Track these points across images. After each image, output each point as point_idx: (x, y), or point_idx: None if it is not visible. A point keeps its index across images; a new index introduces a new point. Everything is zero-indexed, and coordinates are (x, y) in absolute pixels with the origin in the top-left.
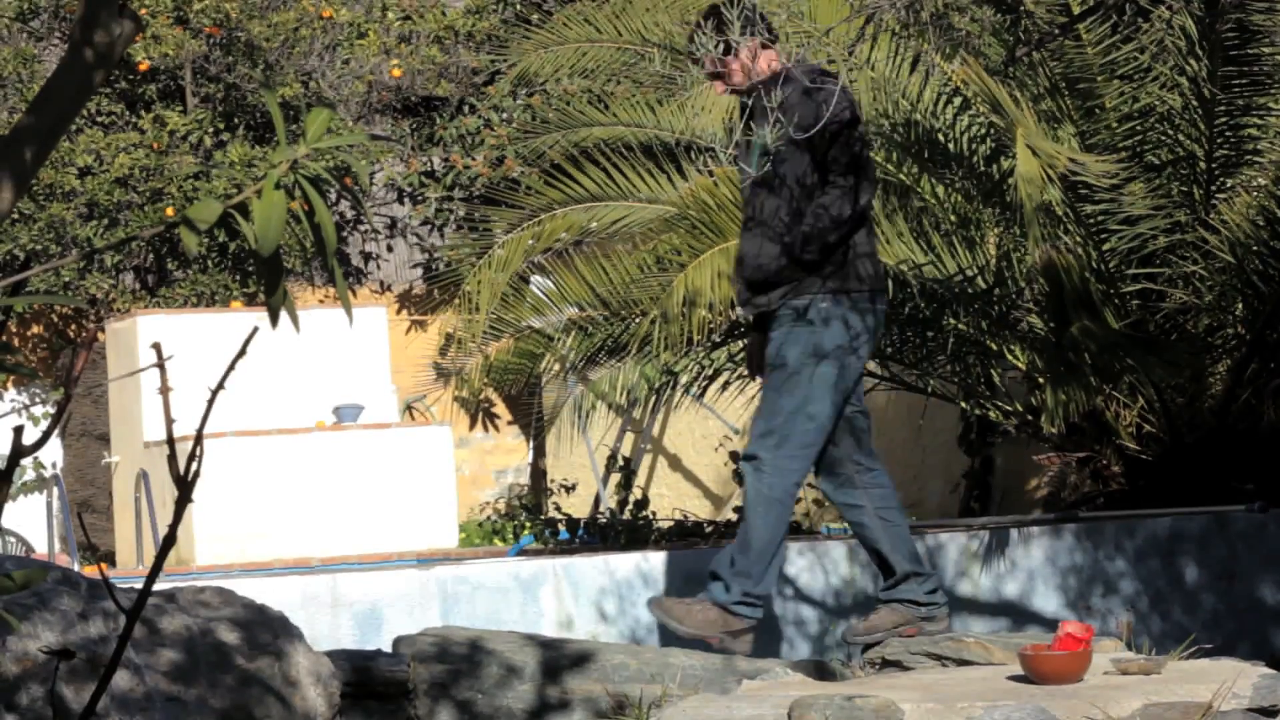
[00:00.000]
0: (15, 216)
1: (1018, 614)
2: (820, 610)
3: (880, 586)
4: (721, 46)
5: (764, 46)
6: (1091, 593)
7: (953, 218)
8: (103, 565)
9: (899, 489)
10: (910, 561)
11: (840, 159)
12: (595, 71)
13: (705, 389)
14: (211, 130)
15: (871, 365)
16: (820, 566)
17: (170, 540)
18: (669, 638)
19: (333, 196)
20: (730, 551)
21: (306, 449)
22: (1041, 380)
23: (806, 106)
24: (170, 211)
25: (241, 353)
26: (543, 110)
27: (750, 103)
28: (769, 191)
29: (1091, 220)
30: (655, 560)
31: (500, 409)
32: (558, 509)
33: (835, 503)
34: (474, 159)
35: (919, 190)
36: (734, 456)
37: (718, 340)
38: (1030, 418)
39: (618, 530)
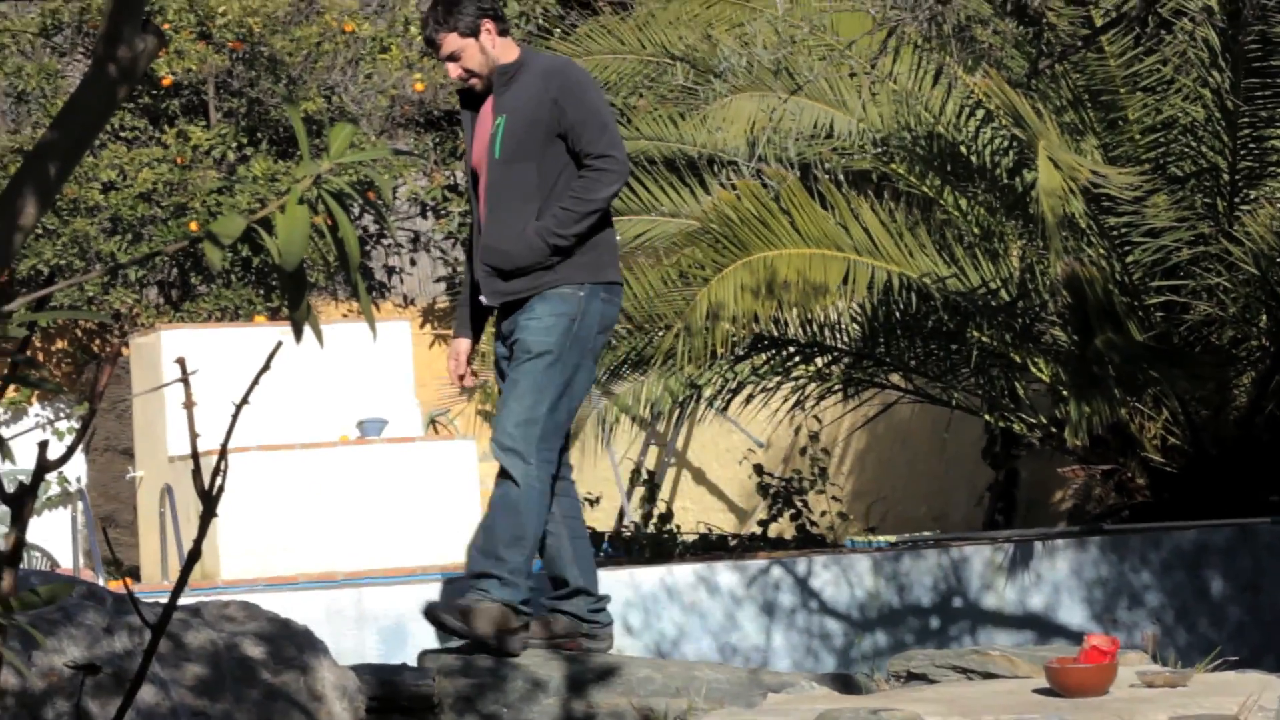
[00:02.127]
0: (39, 231)
1: (1043, 627)
2: (845, 623)
3: (548, 594)
4: (460, 28)
5: (501, 34)
6: (1117, 605)
7: (976, 230)
8: (128, 580)
9: (923, 501)
10: (587, 578)
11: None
12: (618, 85)
13: (729, 402)
14: (234, 145)
15: (895, 378)
16: (845, 580)
17: (195, 555)
18: (691, 650)
19: (356, 211)
20: (494, 550)
21: (330, 463)
22: (1065, 393)
23: (595, 88)
24: (194, 226)
25: (266, 367)
26: None
27: (480, 87)
28: (515, 173)
29: (1115, 232)
30: (680, 574)
31: None
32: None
33: None
34: None
35: (942, 203)
36: (758, 469)
37: (741, 354)
38: (1054, 430)
39: (642, 544)
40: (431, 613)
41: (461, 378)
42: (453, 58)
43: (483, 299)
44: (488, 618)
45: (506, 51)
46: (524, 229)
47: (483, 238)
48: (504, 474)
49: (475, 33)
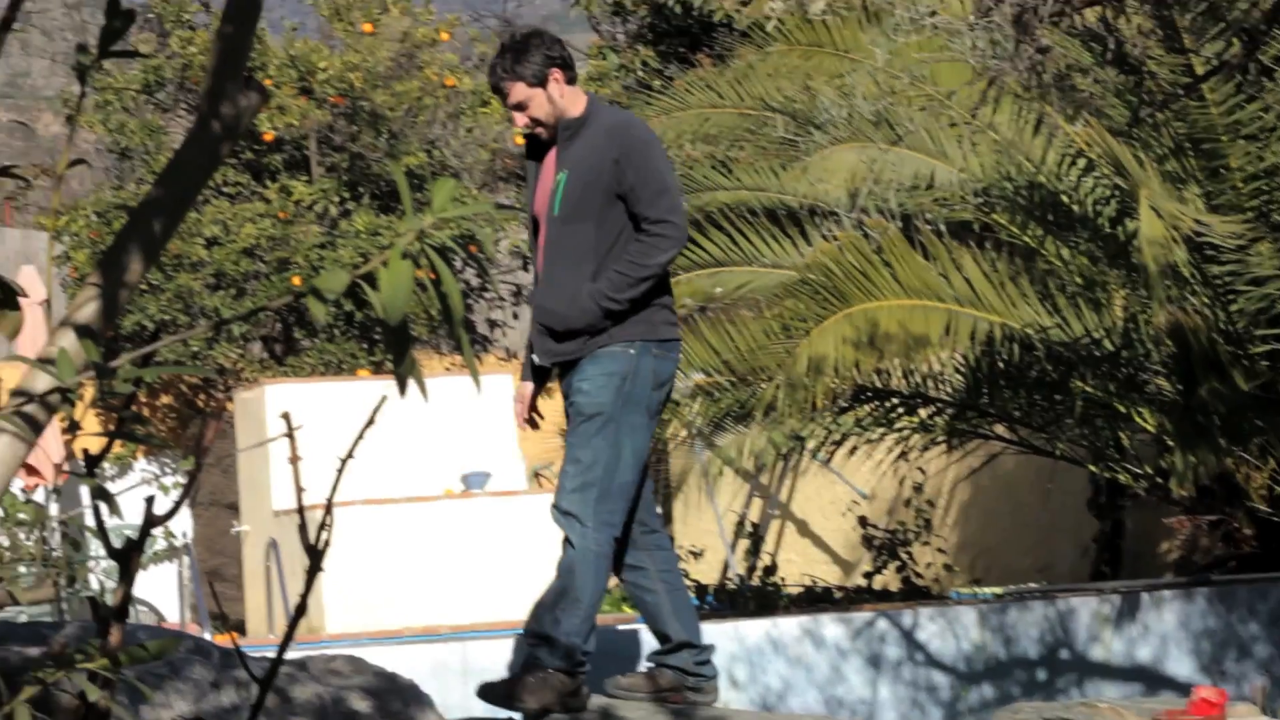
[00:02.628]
0: (144, 287)
1: (1151, 679)
2: (951, 676)
3: (653, 651)
4: (528, 77)
5: (569, 82)
6: (1225, 657)
7: (1078, 280)
8: (234, 634)
9: (1028, 553)
10: (689, 631)
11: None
12: (718, 137)
13: (832, 454)
14: (337, 199)
15: (1000, 429)
16: (951, 632)
17: (302, 609)
18: (797, 703)
19: (458, 265)
20: (551, 612)
21: (435, 517)
22: (1170, 443)
23: (658, 149)
24: (297, 281)
25: (370, 421)
26: None
27: (546, 136)
28: (573, 232)
29: (1218, 281)
30: (785, 626)
31: None
32: (686, 575)
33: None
34: None
35: (1044, 252)
36: (863, 521)
37: (844, 405)
38: (1160, 481)
39: (746, 596)
40: (485, 695)
41: (528, 421)
42: (520, 106)
43: (534, 358)
44: (538, 690)
45: (573, 101)
46: (578, 290)
47: (536, 296)
48: (565, 539)
49: (543, 82)
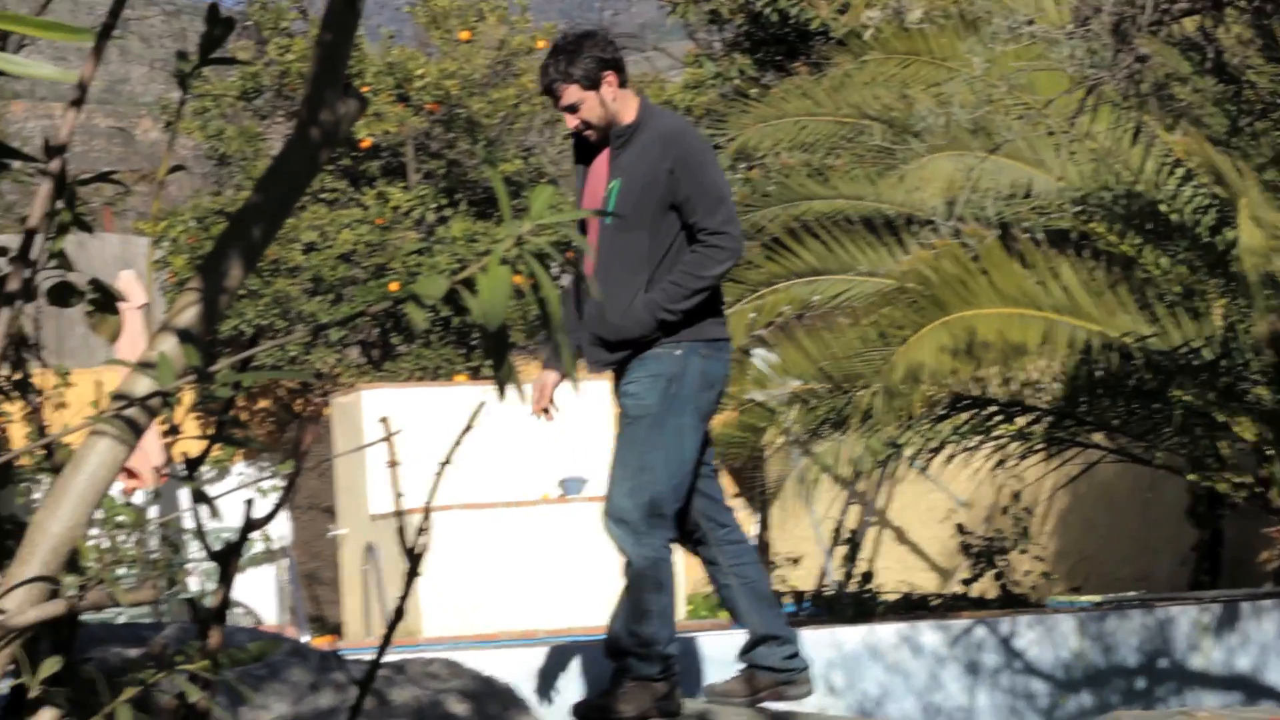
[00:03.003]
0: (242, 293)
1: (1250, 688)
2: (1050, 684)
3: (740, 651)
4: (581, 79)
5: (621, 85)
6: None
7: (1177, 289)
8: (331, 637)
9: (1127, 561)
10: (768, 624)
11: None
12: (814, 145)
13: (930, 461)
14: (434, 206)
15: (1098, 437)
16: (1049, 640)
17: (400, 613)
18: (895, 710)
19: (555, 270)
20: (627, 627)
21: (532, 521)
22: (1270, 452)
23: (714, 158)
24: (394, 286)
25: (469, 426)
26: (762, 183)
27: (596, 139)
28: (627, 241)
29: None
30: (882, 633)
31: (725, 482)
32: (783, 581)
33: (697, 557)
34: None
35: (1142, 261)
36: (960, 528)
37: (941, 413)
38: (1260, 490)
39: (844, 603)
40: (583, 715)
41: (545, 410)
42: (571, 109)
43: (589, 368)
44: (635, 698)
45: (626, 104)
46: (632, 301)
47: (589, 305)
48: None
49: (596, 85)
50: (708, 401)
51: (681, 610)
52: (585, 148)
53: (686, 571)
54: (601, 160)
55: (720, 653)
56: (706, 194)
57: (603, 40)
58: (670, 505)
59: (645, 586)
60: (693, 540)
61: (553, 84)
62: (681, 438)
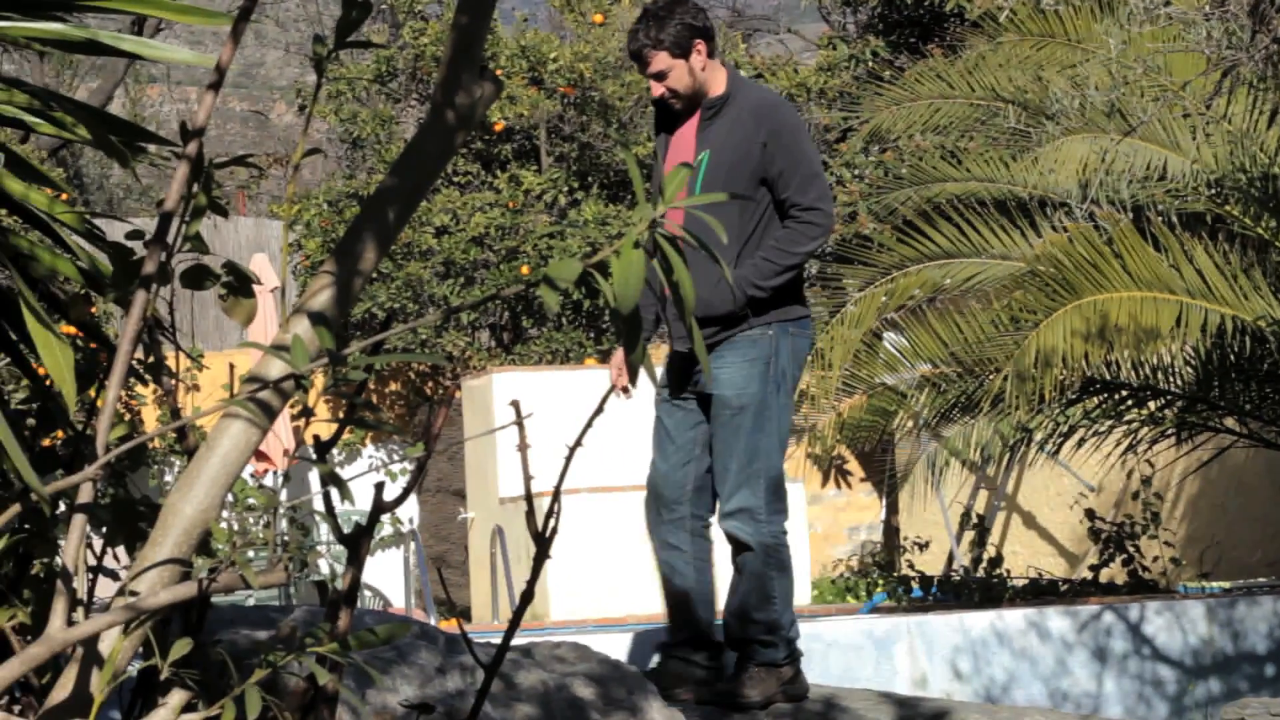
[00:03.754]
0: (374, 276)
1: None
2: (1178, 670)
3: (665, 640)
4: (671, 47)
5: (710, 54)
6: None
7: None
8: (459, 620)
9: (1258, 547)
10: (701, 627)
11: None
12: (948, 127)
13: (1060, 446)
14: (566, 189)
15: (1230, 422)
16: (1178, 626)
17: (529, 596)
18: (1021, 696)
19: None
20: (752, 615)
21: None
22: None
23: (806, 132)
24: (525, 270)
25: (600, 409)
26: (895, 166)
27: (681, 108)
28: (716, 215)
29: None
30: (1010, 618)
31: (853, 466)
32: (911, 566)
33: (654, 536)
34: None
35: (1277, 245)
36: (1089, 513)
37: (1072, 397)
38: None
39: (971, 588)
40: (707, 702)
41: (625, 389)
42: (659, 76)
43: (676, 345)
44: (761, 682)
45: (714, 74)
46: (721, 276)
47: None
48: (737, 543)
49: (686, 53)
50: (796, 378)
51: (806, 595)
52: (668, 117)
53: (812, 555)
54: (687, 131)
55: (847, 638)
56: (800, 169)
57: (694, 7)
58: (783, 486)
59: (769, 570)
60: (671, 517)
61: (642, 49)
62: (782, 416)
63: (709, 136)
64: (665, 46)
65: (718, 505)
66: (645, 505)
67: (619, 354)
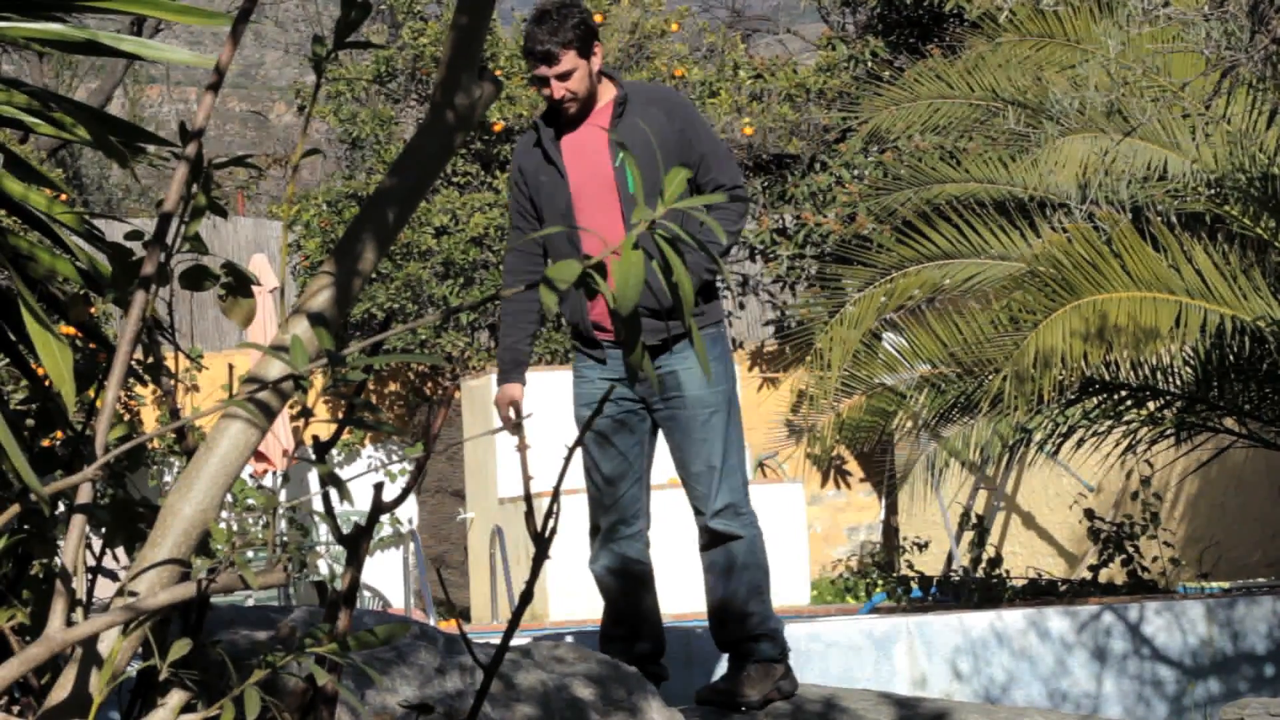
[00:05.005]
0: (374, 276)
1: None
2: (1177, 670)
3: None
4: (579, 47)
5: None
6: None
7: None
8: (458, 621)
9: (1257, 547)
10: (659, 635)
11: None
12: (947, 128)
13: (1059, 446)
14: None
15: (1229, 422)
16: (1178, 626)
17: (528, 597)
18: (1021, 696)
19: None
20: (746, 609)
21: (660, 505)
22: None
23: (709, 129)
24: None
25: (598, 411)
26: (894, 167)
27: (573, 112)
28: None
29: None
30: (1010, 619)
31: (852, 466)
32: (910, 566)
33: (606, 552)
34: (825, 216)
35: (1276, 245)
36: (1089, 514)
37: (1071, 397)
38: None
39: (971, 588)
40: (707, 701)
41: (518, 426)
42: (564, 76)
43: (646, 340)
44: (760, 681)
45: (602, 79)
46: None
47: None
48: (719, 538)
49: (589, 54)
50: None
51: (805, 595)
52: (552, 124)
53: (811, 555)
54: (585, 135)
55: (846, 638)
56: (717, 150)
57: (586, 10)
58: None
59: (758, 563)
60: (629, 533)
61: (551, 51)
62: (738, 411)
63: (621, 134)
64: (575, 46)
65: (703, 505)
66: (596, 525)
67: (510, 389)
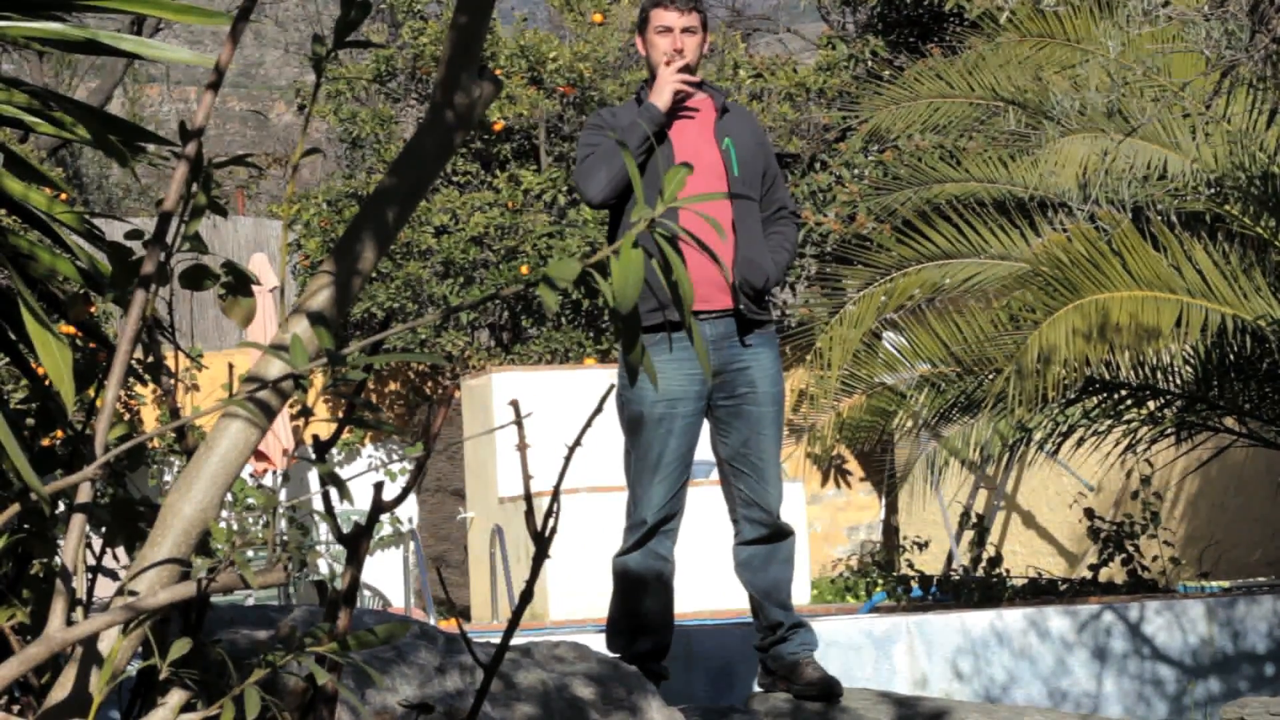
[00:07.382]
0: (374, 275)
1: None
2: (1178, 670)
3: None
4: (707, 20)
5: None
6: None
7: None
8: (458, 620)
9: (1257, 546)
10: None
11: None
12: (947, 127)
13: (1059, 446)
14: (565, 189)
15: (1230, 421)
16: (1178, 625)
17: (527, 596)
18: (1021, 696)
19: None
20: (787, 596)
21: None
22: None
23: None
24: (525, 270)
25: (599, 409)
26: (894, 166)
27: (689, 91)
28: (749, 201)
29: None
30: (1010, 618)
31: (852, 465)
32: (910, 566)
33: (640, 548)
34: (825, 215)
35: (1277, 244)
36: (1089, 513)
37: (1072, 397)
38: None
39: (971, 587)
40: (818, 699)
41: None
42: (688, 31)
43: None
44: (815, 673)
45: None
46: (767, 259)
47: (743, 250)
48: (778, 533)
49: (708, 32)
50: None
51: (806, 595)
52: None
53: (811, 555)
54: (684, 120)
55: (846, 637)
56: (780, 174)
57: None
58: None
59: (792, 558)
60: (667, 529)
61: (696, 6)
62: None
63: (726, 127)
64: (703, 15)
65: (767, 500)
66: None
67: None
